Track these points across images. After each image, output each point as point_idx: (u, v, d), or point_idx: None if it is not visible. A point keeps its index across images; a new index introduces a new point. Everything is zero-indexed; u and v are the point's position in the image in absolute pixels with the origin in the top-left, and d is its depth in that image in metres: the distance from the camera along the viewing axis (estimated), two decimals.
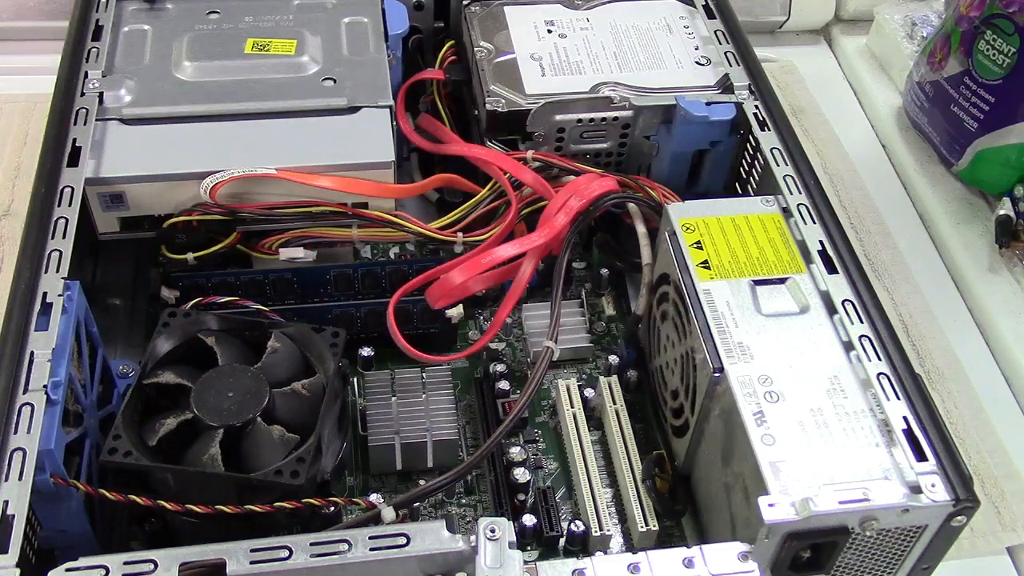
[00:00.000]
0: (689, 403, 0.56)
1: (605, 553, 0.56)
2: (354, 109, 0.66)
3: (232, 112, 0.65)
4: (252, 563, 0.43)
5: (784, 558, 0.48)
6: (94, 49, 0.67)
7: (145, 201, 0.62)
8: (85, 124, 0.62)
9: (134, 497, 0.49)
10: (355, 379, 0.63)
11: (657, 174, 0.70)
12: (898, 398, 0.50)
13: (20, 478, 0.45)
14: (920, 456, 0.48)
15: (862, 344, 0.52)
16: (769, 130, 0.65)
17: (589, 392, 0.63)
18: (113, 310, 0.66)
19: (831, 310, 0.54)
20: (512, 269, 0.64)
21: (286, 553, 0.44)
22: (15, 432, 0.47)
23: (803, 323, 0.54)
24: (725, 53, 0.71)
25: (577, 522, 0.57)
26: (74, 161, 0.60)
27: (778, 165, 0.63)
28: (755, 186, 0.67)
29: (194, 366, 0.55)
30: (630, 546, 0.58)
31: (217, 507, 0.49)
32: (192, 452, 0.52)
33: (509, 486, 0.59)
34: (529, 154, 0.67)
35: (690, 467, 0.58)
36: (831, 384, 0.51)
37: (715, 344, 0.53)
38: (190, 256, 0.62)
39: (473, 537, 0.45)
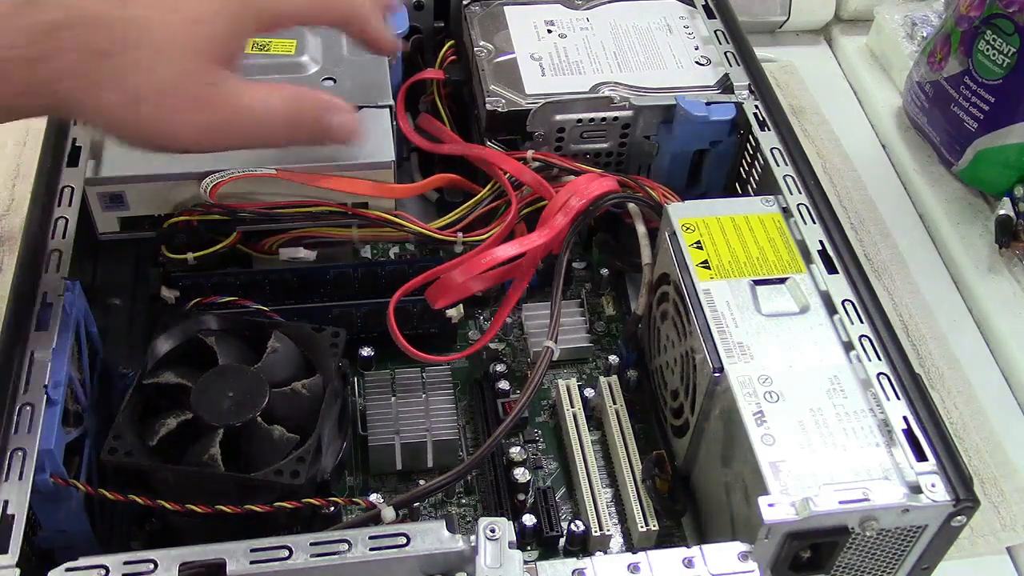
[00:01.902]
0: (689, 403, 0.56)
1: (605, 553, 0.57)
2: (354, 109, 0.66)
3: None
4: (252, 563, 0.43)
5: (784, 558, 0.48)
6: None
7: (145, 201, 0.62)
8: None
9: (134, 497, 0.49)
10: (355, 379, 0.63)
11: (657, 174, 0.70)
12: (898, 398, 0.50)
13: (20, 478, 0.45)
14: (920, 456, 0.48)
15: (862, 344, 0.52)
16: (769, 130, 0.65)
17: (589, 392, 0.63)
18: (113, 310, 0.66)
19: (831, 310, 0.54)
20: (512, 269, 0.64)
21: (286, 553, 0.44)
22: (15, 432, 0.47)
23: (803, 323, 0.54)
24: (725, 53, 0.71)
25: (577, 522, 0.57)
26: (74, 161, 0.60)
27: (778, 165, 0.63)
28: (755, 186, 0.67)
29: (194, 366, 0.55)
30: (630, 546, 0.58)
31: (217, 507, 0.49)
32: (192, 452, 0.52)
33: (509, 486, 0.59)
34: (529, 154, 0.67)
35: (690, 467, 0.58)
36: (831, 384, 0.51)
37: (715, 344, 0.53)
38: (190, 256, 0.63)
39: (473, 537, 0.45)
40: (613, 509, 0.59)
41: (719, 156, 0.69)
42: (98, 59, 0.45)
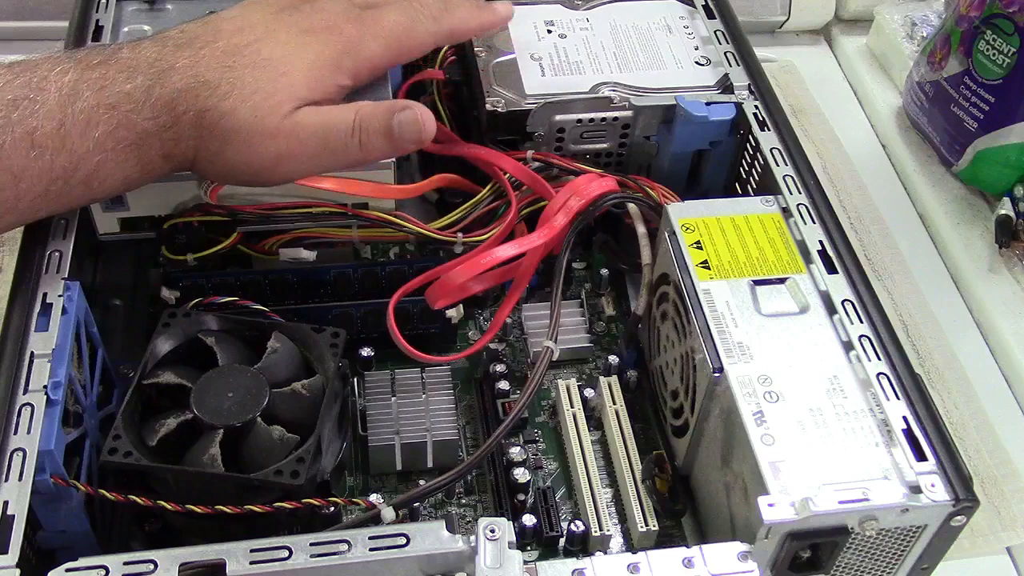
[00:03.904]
0: (689, 403, 0.56)
1: (605, 553, 0.57)
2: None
3: None
4: (252, 563, 0.43)
5: (784, 558, 0.48)
6: None
7: (145, 201, 0.62)
8: None
9: (134, 497, 0.49)
10: (355, 379, 0.63)
11: (657, 174, 0.70)
12: (898, 398, 0.50)
13: (20, 478, 0.45)
14: (920, 456, 0.48)
15: (862, 344, 0.52)
16: (769, 130, 0.65)
17: (589, 392, 0.63)
18: (113, 310, 0.66)
19: (831, 310, 0.54)
20: (512, 269, 0.64)
21: (286, 553, 0.44)
22: (15, 432, 0.47)
23: (803, 323, 0.54)
24: (725, 53, 0.71)
25: (577, 522, 0.57)
26: None
27: (778, 165, 0.63)
28: (755, 186, 0.66)
29: (194, 366, 0.55)
30: (630, 546, 0.58)
31: (217, 507, 0.49)
32: (192, 452, 0.52)
33: (509, 486, 0.59)
34: (529, 154, 0.67)
35: (690, 467, 0.58)
36: (831, 384, 0.51)
37: (715, 344, 0.53)
38: (190, 257, 0.63)
39: (473, 537, 0.45)
40: (613, 509, 0.59)
41: (719, 156, 0.69)
42: (204, 114, 0.53)
